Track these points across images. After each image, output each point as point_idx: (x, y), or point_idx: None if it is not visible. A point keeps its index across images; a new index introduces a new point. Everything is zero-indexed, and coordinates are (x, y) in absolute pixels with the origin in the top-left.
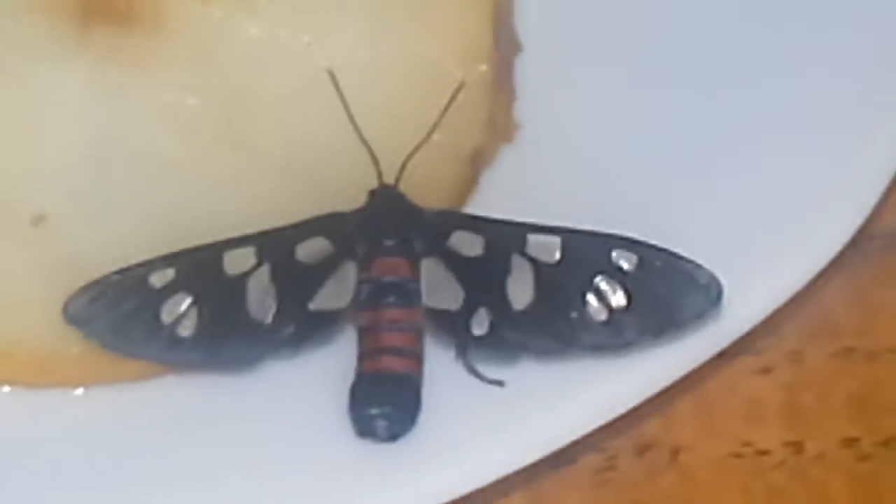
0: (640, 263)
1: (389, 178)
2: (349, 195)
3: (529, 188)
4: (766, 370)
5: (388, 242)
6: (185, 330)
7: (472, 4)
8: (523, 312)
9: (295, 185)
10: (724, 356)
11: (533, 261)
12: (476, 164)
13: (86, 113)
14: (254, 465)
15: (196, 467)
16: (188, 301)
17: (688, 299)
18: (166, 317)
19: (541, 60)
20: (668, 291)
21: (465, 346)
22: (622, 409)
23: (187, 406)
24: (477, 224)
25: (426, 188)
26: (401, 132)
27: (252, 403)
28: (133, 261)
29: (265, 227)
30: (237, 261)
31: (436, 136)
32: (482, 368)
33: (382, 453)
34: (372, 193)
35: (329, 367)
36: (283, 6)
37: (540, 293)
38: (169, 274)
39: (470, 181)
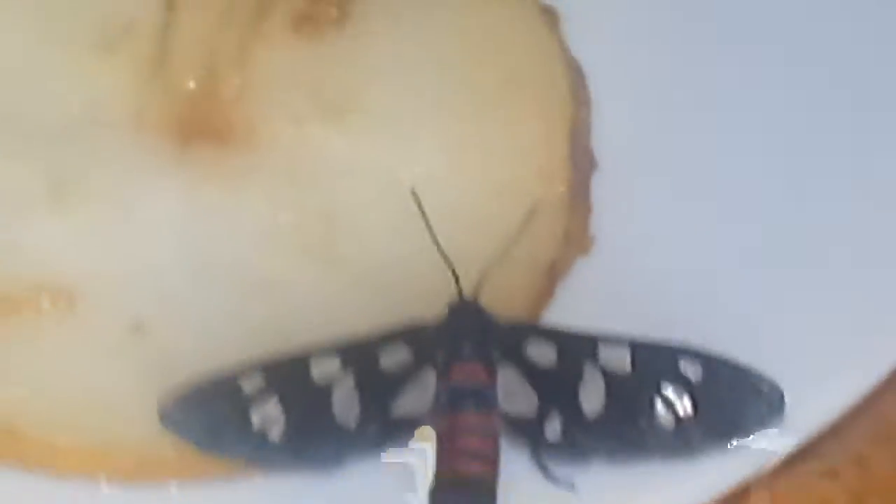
0: (706, 373)
1: (468, 289)
2: (430, 306)
3: (603, 299)
4: (832, 474)
5: (467, 350)
6: (274, 433)
7: (550, 124)
8: (594, 419)
9: (379, 297)
10: (791, 461)
11: (604, 370)
12: (552, 275)
13: (183, 228)
14: None
15: None
16: (277, 406)
17: (751, 408)
18: (256, 420)
19: (616, 176)
20: (732, 400)
21: (539, 450)
22: None
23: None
24: (551, 334)
25: (503, 299)
26: (480, 243)
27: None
28: (225, 367)
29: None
30: (323, 368)
31: (514, 250)
32: (555, 472)
33: None
34: (451, 307)
35: (410, 470)
36: (371, 125)
37: (610, 401)
38: (259, 380)
39: (546, 292)
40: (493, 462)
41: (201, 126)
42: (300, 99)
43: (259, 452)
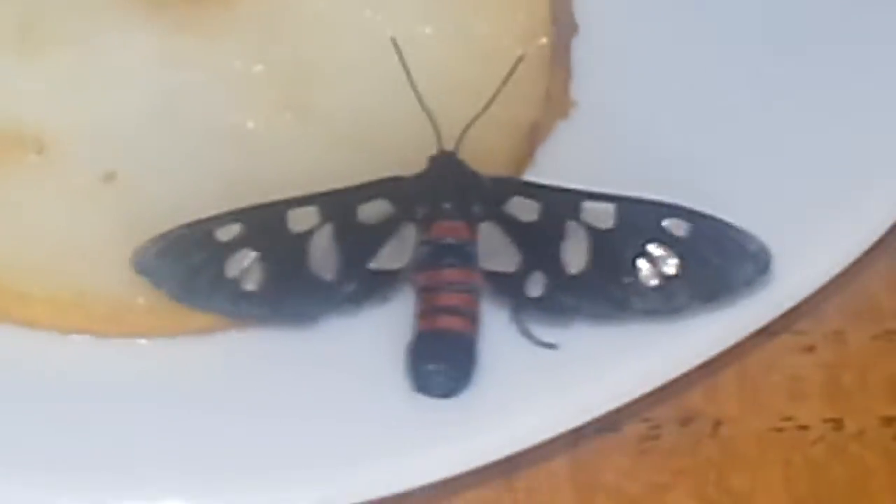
0: (692, 231)
1: (449, 147)
2: (409, 162)
3: (583, 162)
4: (808, 349)
5: (448, 206)
6: (250, 284)
7: None
8: (577, 277)
9: (356, 151)
10: (767, 333)
11: (588, 227)
12: (532, 138)
13: (155, 78)
14: (310, 417)
15: (254, 418)
16: (253, 256)
17: (737, 267)
18: (231, 271)
19: (596, 41)
20: (718, 259)
21: (520, 308)
22: (667, 378)
23: (248, 359)
24: (534, 190)
25: (483, 159)
26: (460, 104)
27: (311, 358)
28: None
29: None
30: (301, 219)
31: (494, 109)
32: (536, 331)
33: (436, 409)
34: (432, 159)
35: (386, 326)
36: None
37: (594, 258)
38: (235, 229)
39: (526, 155)
40: (473, 319)
41: None
42: None
43: (234, 304)
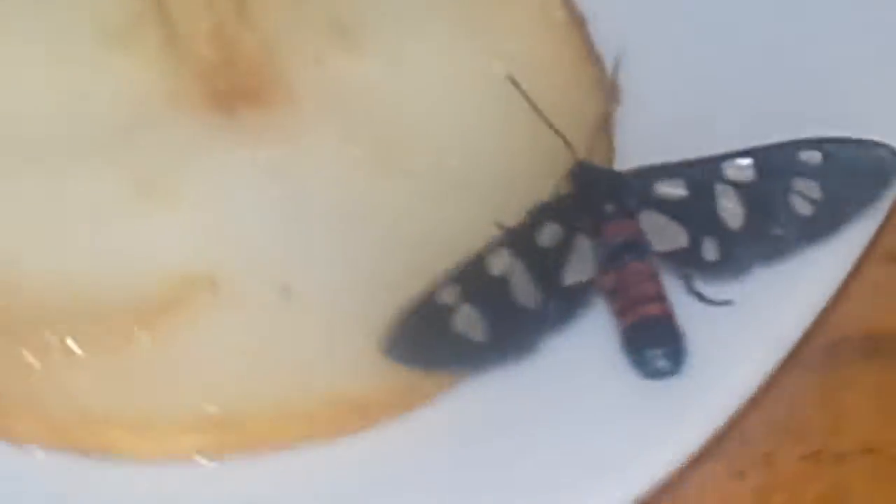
0: (825, 155)
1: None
2: (524, 194)
3: (654, 139)
4: (738, 474)
5: (608, 208)
6: (475, 334)
7: None
8: (742, 231)
9: (474, 194)
10: (696, 461)
11: (734, 184)
12: (607, 129)
13: (267, 189)
14: (565, 437)
15: (514, 460)
16: (471, 308)
17: (872, 173)
18: (459, 326)
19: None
20: (854, 172)
21: (702, 275)
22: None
23: (480, 413)
24: (674, 169)
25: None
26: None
27: (535, 390)
28: (377, 298)
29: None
30: (497, 261)
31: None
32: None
33: (662, 393)
34: (572, 172)
35: (583, 340)
36: (395, 42)
37: (750, 210)
38: (451, 289)
39: (610, 147)
40: (665, 300)
41: (236, 92)
42: (315, 36)
43: (466, 357)
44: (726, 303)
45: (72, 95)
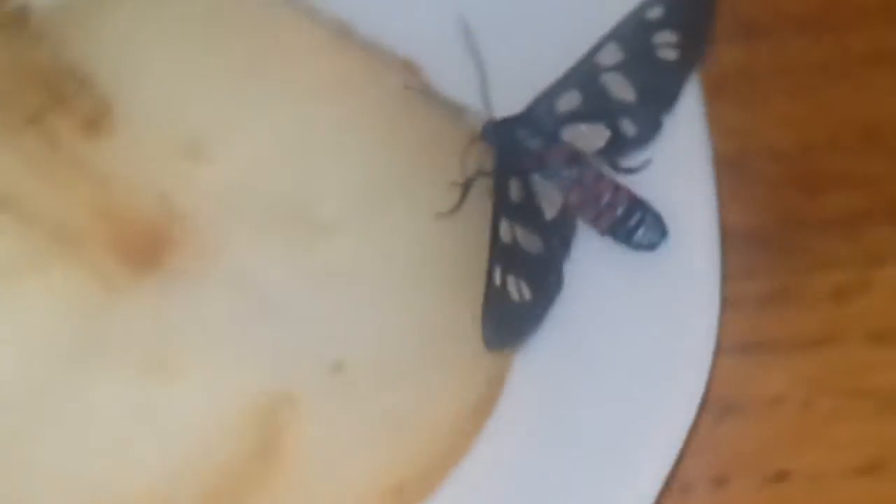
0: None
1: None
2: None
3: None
4: None
5: (536, 143)
6: (526, 294)
7: None
8: (640, 97)
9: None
10: None
11: (612, 67)
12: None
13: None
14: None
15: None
16: (513, 277)
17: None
18: (515, 296)
19: None
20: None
21: (626, 152)
22: None
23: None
24: (560, 85)
25: None
26: None
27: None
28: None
29: None
30: (505, 233)
31: None
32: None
33: None
34: (487, 132)
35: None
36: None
37: (634, 79)
38: (497, 269)
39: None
40: (627, 189)
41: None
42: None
43: (529, 317)
44: (637, 168)
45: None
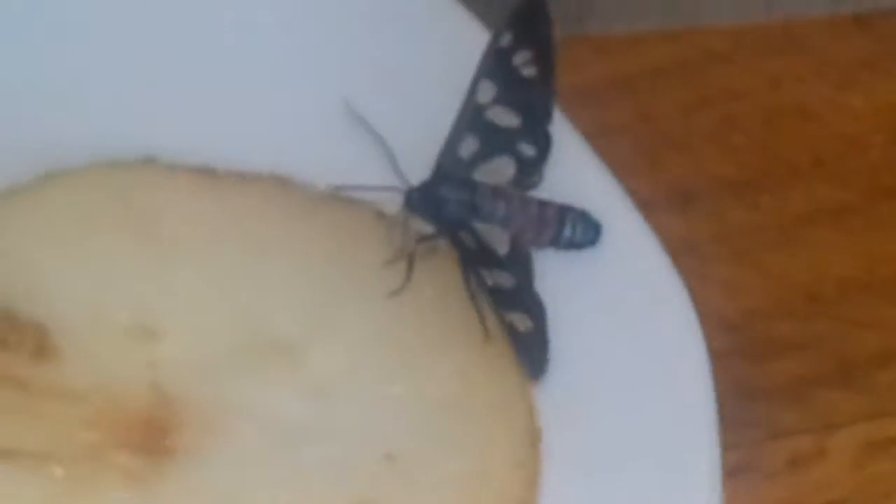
0: (511, 32)
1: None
2: None
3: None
4: None
5: (459, 195)
6: (527, 325)
7: None
8: (523, 120)
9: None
10: None
11: (490, 102)
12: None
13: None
14: None
15: None
16: (518, 314)
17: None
18: (522, 328)
19: None
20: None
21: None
22: None
23: None
24: (454, 135)
25: None
26: None
27: None
28: None
29: None
30: (490, 278)
31: None
32: None
33: None
34: (411, 199)
35: None
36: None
37: (512, 105)
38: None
39: None
40: (550, 203)
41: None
42: None
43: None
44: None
45: None
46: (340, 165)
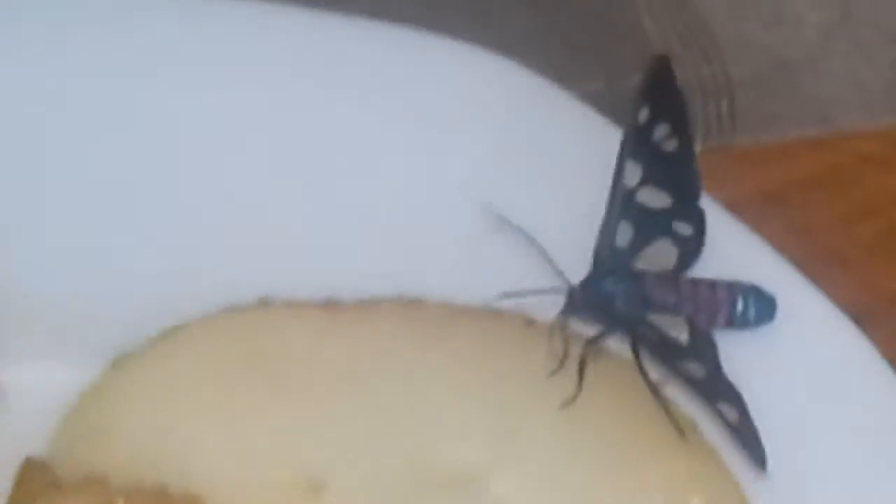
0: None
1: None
2: None
3: None
4: None
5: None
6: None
7: None
8: (672, 201)
9: None
10: None
11: (647, 202)
12: None
13: None
14: None
15: None
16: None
17: None
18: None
19: None
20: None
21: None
22: None
23: None
24: (609, 229)
25: None
26: None
27: None
28: None
29: None
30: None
31: None
32: None
33: None
34: (574, 296)
35: None
36: None
37: (667, 191)
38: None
39: None
40: (719, 283)
41: None
42: None
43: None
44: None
45: None
46: (471, 279)
